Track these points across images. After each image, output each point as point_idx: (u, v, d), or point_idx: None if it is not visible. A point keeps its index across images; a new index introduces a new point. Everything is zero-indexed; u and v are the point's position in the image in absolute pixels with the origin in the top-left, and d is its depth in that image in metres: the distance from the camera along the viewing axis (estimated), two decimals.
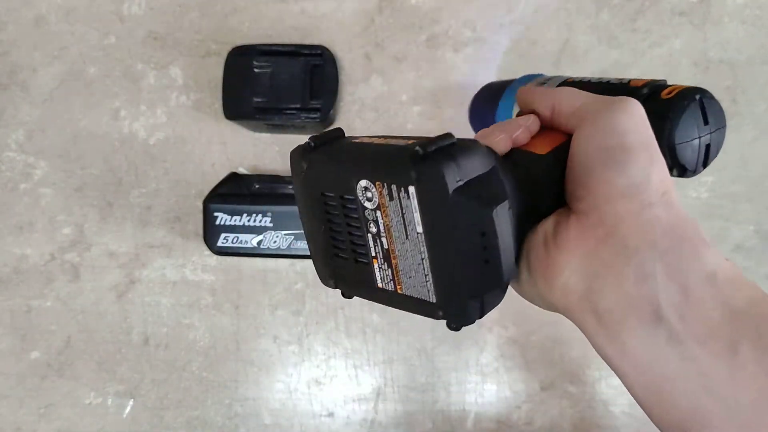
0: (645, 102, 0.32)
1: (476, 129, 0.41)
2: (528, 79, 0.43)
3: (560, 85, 0.38)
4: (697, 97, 0.34)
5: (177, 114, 0.62)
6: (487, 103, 0.48)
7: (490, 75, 0.60)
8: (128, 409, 0.62)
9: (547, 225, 0.30)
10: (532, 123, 0.34)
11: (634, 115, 0.29)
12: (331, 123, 0.61)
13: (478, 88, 0.60)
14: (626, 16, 0.61)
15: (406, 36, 0.61)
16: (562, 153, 0.32)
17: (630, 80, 0.35)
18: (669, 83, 0.35)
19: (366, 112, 0.61)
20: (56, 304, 0.62)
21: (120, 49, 0.62)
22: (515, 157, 0.32)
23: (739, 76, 0.61)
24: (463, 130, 0.61)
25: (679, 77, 0.61)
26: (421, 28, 0.61)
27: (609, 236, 0.27)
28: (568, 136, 0.32)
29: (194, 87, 0.62)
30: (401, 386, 0.61)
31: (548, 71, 0.59)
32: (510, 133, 0.33)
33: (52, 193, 0.62)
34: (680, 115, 0.34)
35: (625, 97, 0.30)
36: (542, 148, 0.33)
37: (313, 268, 0.67)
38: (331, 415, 0.61)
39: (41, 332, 0.62)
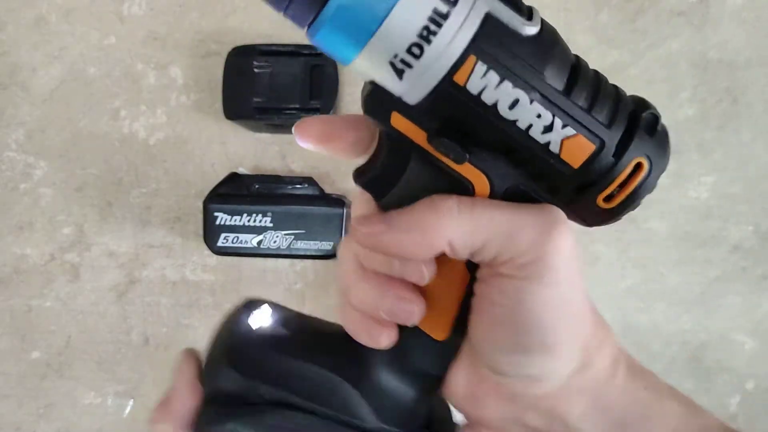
0: (575, 203, 0.23)
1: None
2: None
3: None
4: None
5: (177, 114, 0.62)
6: None
7: None
8: (128, 409, 0.62)
9: (459, 379, 0.27)
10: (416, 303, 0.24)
11: (564, 277, 0.23)
12: None
13: None
14: (625, 16, 0.61)
15: None
16: (465, 323, 0.25)
17: (560, 147, 0.22)
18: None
19: None
20: (56, 304, 0.62)
21: (120, 49, 0.62)
22: (402, 346, 0.26)
23: (738, 77, 0.61)
24: None
25: (678, 78, 0.61)
26: None
27: (532, 408, 0.25)
28: (469, 271, 0.25)
29: (194, 87, 0.62)
30: None
31: None
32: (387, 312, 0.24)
33: (52, 193, 0.62)
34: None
35: (551, 231, 0.22)
36: (438, 323, 0.26)
37: (314, 267, 0.66)
38: None
39: (41, 332, 0.62)
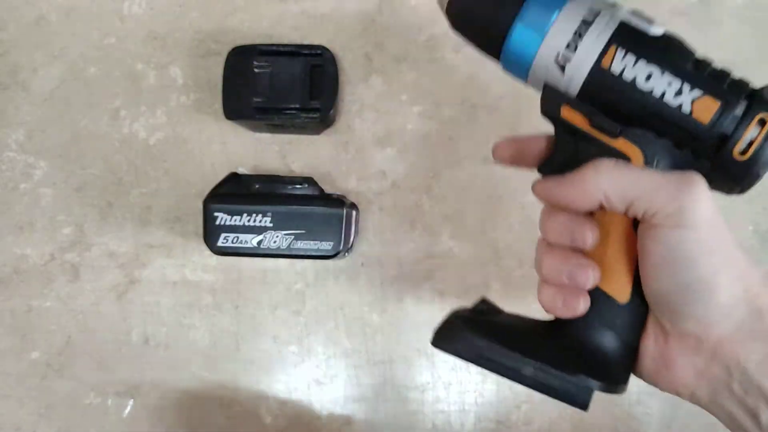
0: (716, 162, 0.29)
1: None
2: None
3: (617, 33, 0.30)
4: None
5: (177, 114, 0.62)
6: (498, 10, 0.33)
7: (489, 74, 0.60)
8: (128, 409, 0.62)
9: (647, 345, 0.32)
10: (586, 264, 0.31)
11: (704, 221, 0.28)
12: (331, 123, 0.61)
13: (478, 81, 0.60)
14: None
15: (406, 36, 0.61)
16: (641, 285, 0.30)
17: (691, 108, 0.29)
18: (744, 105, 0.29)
19: (366, 112, 0.61)
20: (56, 304, 0.62)
21: (120, 49, 0.62)
22: (593, 312, 0.31)
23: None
24: (461, 128, 0.61)
25: None
26: (421, 28, 0.61)
27: (714, 358, 0.29)
28: (634, 229, 0.31)
29: (194, 87, 0.62)
30: (401, 386, 0.61)
31: None
32: (570, 281, 0.31)
33: (52, 193, 0.62)
34: (753, 184, 0.30)
35: (689, 186, 0.28)
36: (618, 284, 0.31)
37: (313, 267, 0.67)
38: (331, 415, 0.61)
39: (41, 332, 0.62)
